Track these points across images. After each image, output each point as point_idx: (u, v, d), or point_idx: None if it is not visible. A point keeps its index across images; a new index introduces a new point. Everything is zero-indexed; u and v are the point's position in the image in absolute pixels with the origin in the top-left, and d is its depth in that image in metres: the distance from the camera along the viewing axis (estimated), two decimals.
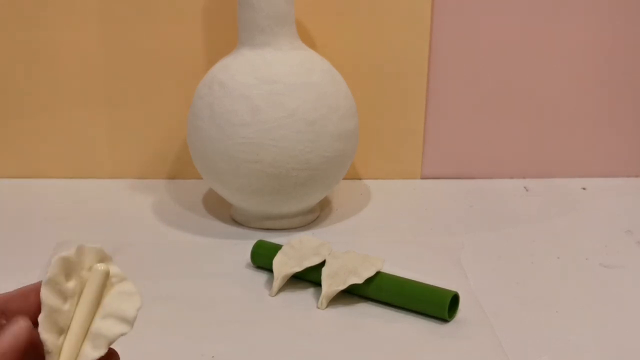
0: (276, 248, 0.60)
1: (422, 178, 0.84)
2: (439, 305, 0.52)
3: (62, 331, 0.30)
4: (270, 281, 0.58)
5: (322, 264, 0.57)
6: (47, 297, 0.29)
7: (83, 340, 0.30)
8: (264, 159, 0.63)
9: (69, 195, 0.78)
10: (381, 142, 0.82)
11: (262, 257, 0.60)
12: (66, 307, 0.30)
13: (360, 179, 0.84)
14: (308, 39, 0.77)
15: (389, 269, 0.56)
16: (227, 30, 0.77)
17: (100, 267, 0.31)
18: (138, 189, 0.80)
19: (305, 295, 0.57)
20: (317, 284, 0.57)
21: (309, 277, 0.58)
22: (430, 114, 0.82)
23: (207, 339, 0.50)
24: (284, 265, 0.57)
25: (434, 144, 0.83)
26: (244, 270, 0.61)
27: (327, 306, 0.55)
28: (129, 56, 0.78)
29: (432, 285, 0.54)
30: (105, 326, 0.30)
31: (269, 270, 0.59)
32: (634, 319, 0.54)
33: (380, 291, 0.55)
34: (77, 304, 0.31)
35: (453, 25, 0.78)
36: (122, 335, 0.30)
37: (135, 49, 0.78)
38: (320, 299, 0.55)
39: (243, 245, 0.64)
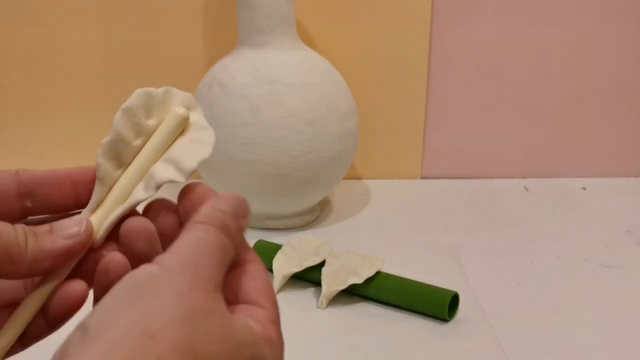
0: (276, 248, 0.60)
1: (422, 178, 0.84)
2: (439, 305, 0.52)
3: (122, 165, 0.28)
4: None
5: (322, 264, 0.57)
6: (118, 123, 0.28)
7: (140, 179, 0.28)
8: (264, 159, 0.63)
9: None
10: (381, 142, 0.82)
11: (262, 257, 0.59)
12: (136, 142, 0.28)
13: (360, 179, 0.84)
14: (308, 39, 0.77)
15: (389, 269, 0.56)
16: (227, 30, 0.77)
17: (180, 110, 0.29)
18: None
19: (305, 295, 0.57)
20: (317, 284, 0.57)
21: (309, 277, 0.58)
22: (430, 114, 0.82)
23: None
24: (284, 265, 0.57)
25: (434, 144, 0.83)
26: None
27: (327, 306, 0.55)
28: (128, 56, 0.78)
29: (432, 285, 0.54)
30: (161, 169, 0.28)
31: (269, 270, 0.59)
32: (634, 319, 0.54)
33: (380, 291, 0.55)
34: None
35: (453, 25, 0.78)
36: (171, 181, 0.28)
37: (135, 48, 0.78)
38: (320, 299, 0.55)
39: None
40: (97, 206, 0.28)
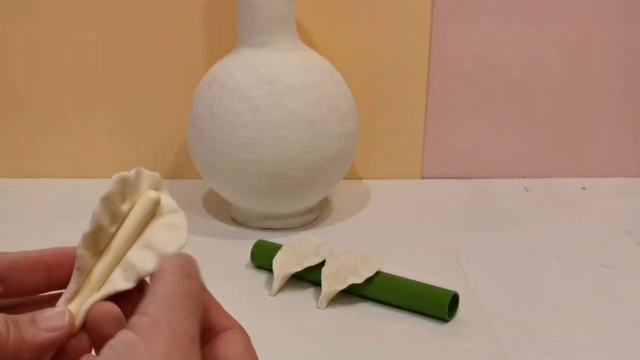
0: (276, 248, 0.60)
1: (422, 178, 0.84)
2: (439, 305, 0.52)
3: (98, 252, 0.28)
4: (270, 281, 0.58)
5: (322, 263, 0.57)
6: (100, 214, 0.28)
7: (116, 265, 0.28)
8: (263, 159, 0.63)
9: (69, 195, 0.78)
10: (381, 142, 0.82)
11: (262, 257, 0.60)
12: (112, 229, 0.29)
13: (360, 179, 0.84)
14: (308, 39, 0.77)
15: (389, 269, 0.56)
16: (227, 30, 0.77)
17: (151, 193, 0.29)
18: None
19: (305, 295, 0.57)
20: (317, 283, 0.57)
21: (309, 277, 0.58)
22: (430, 114, 0.82)
23: None
24: (284, 265, 0.57)
25: (434, 144, 0.83)
26: (244, 270, 0.61)
27: (327, 306, 0.55)
28: (129, 56, 0.78)
29: (432, 285, 0.54)
30: (141, 258, 0.28)
31: (269, 270, 0.59)
32: (634, 319, 0.54)
33: (380, 291, 0.55)
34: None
35: (453, 25, 0.78)
36: (150, 273, 0.28)
37: (135, 48, 0.78)
38: (320, 298, 0.54)
39: (243, 245, 0.64)
40: (74, 295, 0.28)
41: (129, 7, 0.76)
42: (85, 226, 0.29)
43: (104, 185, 0.28)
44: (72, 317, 0.27)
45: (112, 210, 0.28)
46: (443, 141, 0.83)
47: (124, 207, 0.29)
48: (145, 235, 0.29)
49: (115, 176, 0.29)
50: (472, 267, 0.61)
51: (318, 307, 0.55)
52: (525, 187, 0.82)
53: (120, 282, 0.28)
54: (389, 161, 0.83)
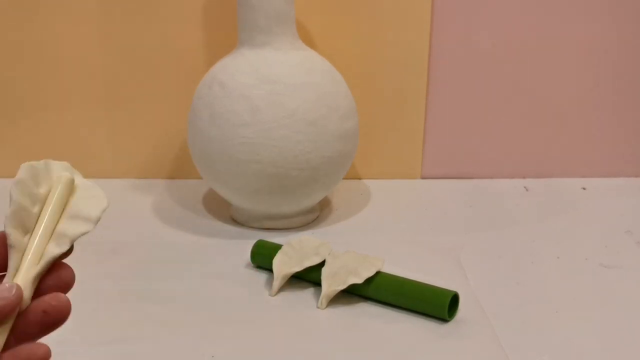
0: (276, 248, 0.60)
1: (422, 178, 0.84)
2: (439, 305, 0.52)
3: (28, 231, 0.31)
4: (270, 281, 0.58)
5: (322, 263, 0.57)
6: (16, 194, 0.31)
7: (48, 240, 0.31)
8: (263, 159, 0.63)
9: None
10: (381, 142, 0.82)
11: (262, 257, 0.60)
12: (35, 209, 0.31)
13: (360, 179, 0.84)
14: (308, 39, 0.77)
15: (389, 269, 0.56)
16: (227, 30, 0.77)
17: (65, 174, 0.33)
18: (138, 189, 0.80)
19: (305, 295, 0.57)
20: (317, 284, 0.57)
21: (309, 277, 0.58)
22: (430, 114, 0.82)
23: (207, 339, 0.50)
24: (284, 265, 0.57)
25: (434, 144, 0.83)
26: (244, 270, 0.61)
27: (327, 306, 0.55)
28: (129, 56, 0.78)
29: (432, 285, 0.54)
30: (70, 226, 0.31)
31: (269, 270, 0.59)
32: (634, 319, 0.54)
33: (380, 291, 0.55)
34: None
35: (453, 25, 0.78)
36: (84, 234, 0.31)
37: (135, 48, 0.78)
38: (320, 299, 0.55)
39: (243, 245, 0.64)
40: (16, 271, 0.30)
41: (128, 7, 0.76)
42: None
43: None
44: (19, 289, 0.29)
45: (28, 192, 0.31)
46: (443, 141, 0.83)
47: (41, 190, 0.32)
48: (69, 209, 0.32)
49: (23, 164, 0.32)
50: (472, 267, 0.61)
51: (318, 307, 0.55)
52: (525, 187, 0.82)
53: (54, 249, 0.31)
54: (389, 161, 0.83)
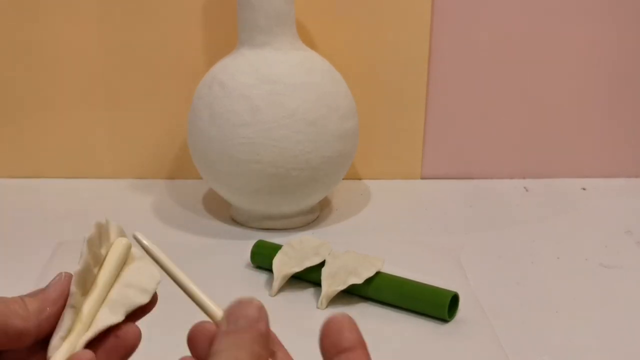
0: (276, 248, 0.60)
1: (422, 178, 0.84)
2: (439, 305, 0.52)
3: (85, 292, 0.30)
4: (270, 281, 0.58)
5: (322, 264, 0.57)
6: (87, 253, 0.30)
7: (101, 305, 0.30)
8: (263, 159, 0.63)
9: (69, 195, 0.78)
10: (381, 142, 0.82)
11: (262, 257, 0.60)
12: (95, 270, 0.31)
13: (360, 179, 0.84)
14: (308, 39, 0.77)
15: (389, 269, 0.56)
16: (227, 30, 0.77)
17: (123, 240, 0.32)
18: (138, 189, 0.80)
19: (305, 295, 0.57)
20: (317, 284, 0.57)
21: (309, 277, 0.58)
22: (430, 114, 0.82)
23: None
24: (284, 265, 0.57)
25: (434, 144, 0.83)
26: (244, 270, 0.61)
27: (327, 306, 0.55)
28: (129, 56, 0.78)
29: (432, 285, 0.54)
30: (125, 294, 0.31)
31: (269, 270, 0.59)
32: (634, 319, 0.54)
33: (380, 291, 0.55)
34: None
35: (453, 25, 0.78)
36: (140, 305, 0.31)
37: (135, 48, 0.78)
38: (320, 299, 0.55)
39: (243, 245, 0.64)
40: (68, 332, 0.29)
41: (128, 7, 0.76)
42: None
43: (89, 229, 0.31)
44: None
45: (94, 252, 0.31)
46: (443, 141, 0.83)
47: (102, 250, 0.32)
48: (123, 277, 0.32)
49: (96, 222, 0.31)
50: (472, 267, 0.61)
51: (318, 308, 0.55)
52: (525, 187, 0.82)
53: (109, 317, 0.30)
54: (389, 161, 0.83)
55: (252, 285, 0.58)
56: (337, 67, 0.70)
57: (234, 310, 0.28)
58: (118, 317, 0.30)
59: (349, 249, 0.59)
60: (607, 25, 0.79)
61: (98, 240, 0.31)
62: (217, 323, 0.30)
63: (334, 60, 0.71)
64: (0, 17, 0.76)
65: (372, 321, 0.53)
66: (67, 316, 0.29)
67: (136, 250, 0.33)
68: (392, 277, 0.55)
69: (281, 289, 0.57)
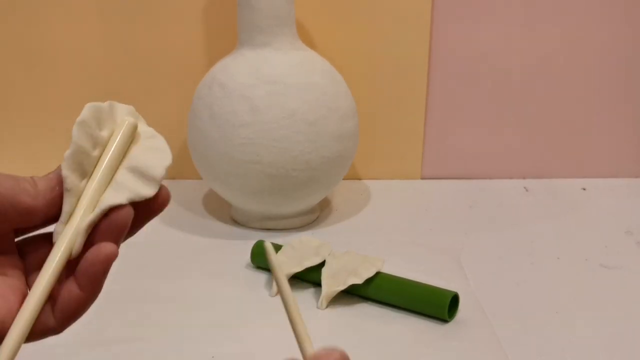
0: (276, 248, 0.60)
1: (422, 178, 0.84)
2: (439, 306, 0.52)
3: (86, 175, 0.29)
4: (270, 281, 0.58)
5: (322, 264, 0.57)
6: (77, 136, 0.29)
7: (106, 187, 0.29)
8: (264, 159, 0.63)
9: None
10: (381, 142, 0.82)
11: (262, 257, 0.60)
12: (95, 153, 0.30)
13: (360, 179, 0.84)
14: (308, 39, 0.77)
15: (389, 269, 0.56)
16: (227, 30, 0.77)
17: (130, 119, 0.31)
18: None
19: (305, 295, 0.57)
20: (317, 284, 0.57)
21: (309, 277, 0.58)
22: (430, 114, 0.82)
23: (207, 339, 0.50)
24: (284, 265, 0.57)
25: (434, 144, 0.83)
26: (244, 270, 0.61)
27: (327, 306, 0.55)
28: (129, 56, 0.78)
29: (432, 286, 0.54)
30: (131, 180, 0.29)
31: (269, 270, 0.59)
32: (634, 319, 0.54)
33: (380, 291, 0.55)
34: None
35: (453, 25, 0.78)
36: (145, 197, 0.29)
37: (135, 49, 0.78)
38: (320, 299, 0.55)
39: (243, 245, 0.64)
40: (70, 216, 0.29)
41: (129, 7, 0.76)
42: None
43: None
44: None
45: (90, 134, 0.29)
46: (443, 141, 0.83)
47: (103, 133, 0.30)
48: (129, 159, 0.30)
49: (88, 104, 0.30)
50: (472, 267, 0.61)
51: (318, 308, 0.55)
52: (525, 187, 0.82)
53: (113, 197, 0.29)
54: (389, 161, 0.83)
55: (252, 285, 0.58)
56: (337, 67, 0.70)
57: (321, 357, 0.30)
58: (119, 199, 0.29)
59: (349, 249, 0.59)
60: (607, 25, 0.79)
61: (94, 122, 0.30)
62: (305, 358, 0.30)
63: (334, 60, 0.72)
64: (0, 17, 0.76)
65: (372, 321, 0.53)
66: (66, 200, 0.29)
67: (147, 128, 0.32)
68: (392, 277, 0.55)
69: None
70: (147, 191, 0.29)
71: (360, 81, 0.78)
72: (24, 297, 0.28)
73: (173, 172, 0.83)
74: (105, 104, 0.31)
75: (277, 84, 0.63)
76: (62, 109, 0.80)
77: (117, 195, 0.29)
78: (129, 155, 0.30)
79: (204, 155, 0.66)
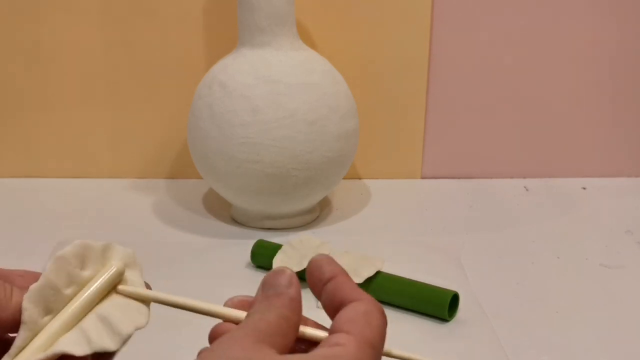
0: (276, 248, 0.60)
1: (422, 178, 0.84)
2: (439, 305, 0.52)
3: (49, 312, 0.28)
4: None
5: None
6: (50, 270, 0.28)
7: (69, 329, 0.28)
8: (264, 159, 0.63)
9: (69, 195, 0.78)
10: (381, 142, 0.82)
11: (262, 257, 0.60)
12: (67, 291, 0.28)
13: (360, 179, 0.84)
14: (308, 39, 0.77)
15: (389, 269, 0.56)
16: (227, 30, 0.76)
17: (118, 265, 0.30)
18: (138, 189, 0.80)
19: (305, 295, 0.57)
20: None
21: None
22: (430, 114, 0.82)
23: (207, 338, 0.50)
24: (284, 265, 0.57)
25: (434, 144, 0.83)
26: (244, 270, 0.61)
27: None
28: (129, 56, 0.78)
29: (432, 285, 0.54)
30: (97, 330, 0.28)
31: (269, 270, 0.59)
32: (634, 319, 0.54)
33: (380, 291, 0.55)
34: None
35: (453, 25, 0.78)
36: (105, 350, 0.28)
37: (135, 48, 0.78)
38: None
39: (243, 245, 0.64)
40: (20, 351, 0.27)
41: (129, 7, 0.76)
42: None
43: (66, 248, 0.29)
44: None
45: (67, 271, 0.28)
46: (443, 141, 0.83)
47: (85, 273, 0.29)
48: (103, 307, 0.29)
49: (78, 240, 0.29)
50: (472, 267, 0.61)
51: (318, 307, 0.55)
52: (525, 187, 0.82)
53: (70, 345, 0.27)
54: (389, 161, 0.83)
55: (252, 285, 0.58)
56: (337, 67, 0.70)
57: (268, 280, 0.31)
58: (78, 350, 0.27)
59: (349, 249, 0.59)
60: (607, 25, 0.79)
61: (77, 260, 0.28)
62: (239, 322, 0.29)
63: (334, 60, 0.71)
64: (1, 17, 0.76)
65: None
66: (20, 334, 0.27)
67: (139, 280, 0.30)
68: (392, 277, 0.55)
69: None
70: (110, 345, 0.28)
71: (360, 81, 0.78)
72: None
73: (173, 172, 0.83)
74: (99, 244, 0.30)
75: (277, 84, 0.63)
76: (63, 108, 0.80)
77: (76, 344, 0.27)
78: (104, 303, 0.29)
79: (204, 155, 0.66)
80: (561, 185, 0.82)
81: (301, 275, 0.58)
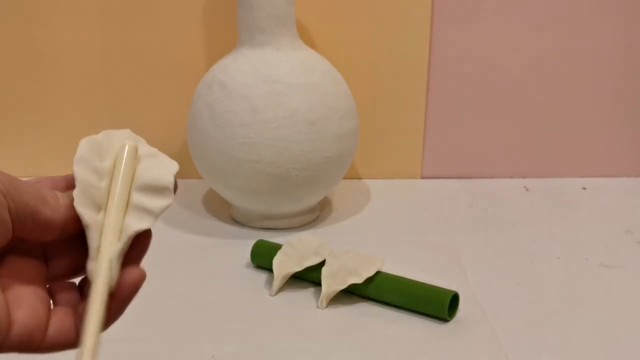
0: (276, 248, 0.60)
1: (422, 178, 0.84)
2: (439, 305, 0.52)
3: (100, 208, 0.29)
4: (270, 281, 0.58)
5: (322, 263, 0.57)
6: (79, 172, 0.29)
7: (124, 214, 0.29)
8: (264, 159, 0.63)
9: None
10: (381, 142, 0.82)
11: (262, 257, 0.60)
12: (102, 184, 0.30)
13: (360, 179, 0.84)
14: (308, 39, 0.77)
15: (389, 268, 0.56)
16: (227, 30, 0.77)
17: (129, 142, 0.31)
18: None
19: (305, 295, 0.57)
20: (317, 283, 0.57)
21: (309, 277, 0.58)
22: (430, 114, 0.82)
23: (207, 339, 0.50)
24: (284, 264, 0.57)
25: (434, 144, 0.83)
26: (244, 270, 0.61)
27: (327, 306, 0.55)
28: (129, 56, 0.78)
29: (432, 285, 0.54)
30: (146, 199, 0.30)
31: (269, 270, 0.59)
32: (634, 319, 0.54)
33: (380, 291, 0.55)
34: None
35: (453, 25, 0.78)
36: (166, 208, 0.30)
37: (135, 48, 0.78)
38: (320, 298, 0.55)
39: (243, 245, 0.64)
40: (97, 251, 0.29)
41: (129, 7, 0.76)
42: None
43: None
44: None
45: (92, 167, 0.29)
46: (443, 141, 0.83)
47: (105, 163, 0.30)
48: (136, 180, 0.30)
49: (82, 139, 0.30)
50: (472, 267, 0.61)
51: (318, 307, 0.55)
52: (525, 187, 0.82)
53: (137, 223, 0.29)
54: (389, 161, 0.83)
55: (252, 285, 0.58)
56: (337, 67, 0.70)
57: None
58: (144, 224, 0.29)
59: (349, 248, 0.59)
60: (607, 25, 0.79)
61: (93, 155, 0.30)
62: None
63: (334, 60, 0.72)
64: (0, 17, 0.76)
65: (372, 321, 0.53)
66: (89, 236, 0.28)
67: (150, 148, 0.32)
68: (392, 277, 0.55)
69: (281, 288, 0.57)
70: (165, 202, 0.30)
71: (360, 81, 0.78)
72: (49, 307, 0.28)
73: None
74: (100, 135, 0.31)
75: (277, 84, 0.63)
76: (62, 108, 0.80)
77: (141, 220, 0.29)
78: (135, 177, 0.30)
79: (204, 154, 0.66)
80: (561, 185, 0.82)
81: (301, 276, 0.58)
